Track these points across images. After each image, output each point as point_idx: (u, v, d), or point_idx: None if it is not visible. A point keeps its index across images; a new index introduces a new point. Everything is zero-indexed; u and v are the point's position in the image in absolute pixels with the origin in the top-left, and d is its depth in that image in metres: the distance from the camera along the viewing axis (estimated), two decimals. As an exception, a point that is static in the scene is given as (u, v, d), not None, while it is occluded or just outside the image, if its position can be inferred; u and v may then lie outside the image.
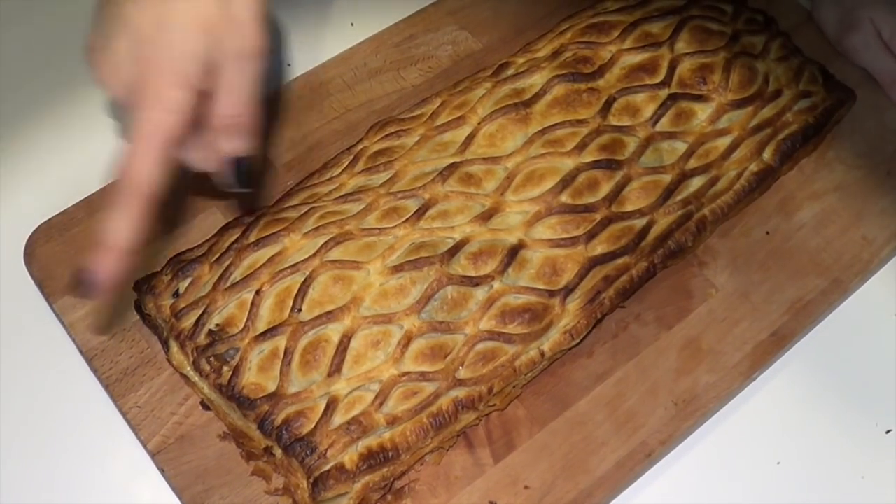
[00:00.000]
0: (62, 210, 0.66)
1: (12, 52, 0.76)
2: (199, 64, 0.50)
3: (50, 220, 0.66)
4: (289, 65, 0.75)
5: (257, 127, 0.54)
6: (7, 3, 0.79)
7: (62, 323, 0.62)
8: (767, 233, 0.67)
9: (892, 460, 0.60)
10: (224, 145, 0.53)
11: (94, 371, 0.60)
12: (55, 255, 0.64)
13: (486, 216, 0.60)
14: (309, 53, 0.75)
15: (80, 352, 0.61)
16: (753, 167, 0.66)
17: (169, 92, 0.49)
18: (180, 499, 0.56)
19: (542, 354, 0.58)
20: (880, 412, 0.62)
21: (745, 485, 0.59)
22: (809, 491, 0.59)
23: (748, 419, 0.61)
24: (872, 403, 0.62)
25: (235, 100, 0.52)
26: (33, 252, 0.64)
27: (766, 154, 0.66)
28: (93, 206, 0.66)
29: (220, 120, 0.52)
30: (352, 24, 0.78)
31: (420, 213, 0.59)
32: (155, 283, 0.59)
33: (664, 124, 0.64)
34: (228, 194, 0.62)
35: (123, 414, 0.58)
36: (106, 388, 0.59)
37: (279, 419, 0.54)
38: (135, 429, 0.58)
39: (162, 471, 0.56)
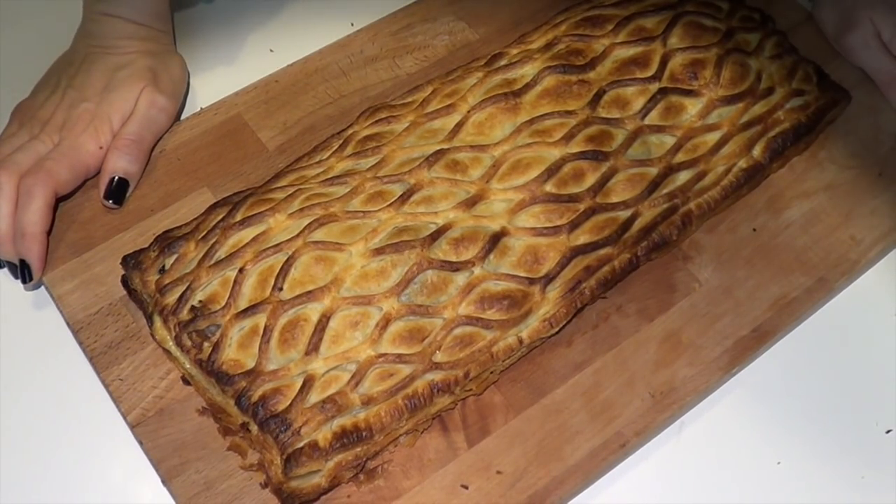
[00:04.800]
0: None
1: (12, 50, 0.78)
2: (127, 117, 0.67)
3: (44, 195, 0.67)
4: (271, 50, 0.77)
5: (144, 160, 0.67)
6: (7, 3, 0.81)
7: (51, 296, 0.63)
8: (754, 230, 0.66)
9: (892, 460, 0.60)
10: (111, 160, 0.65)
11: (80, 343, 0.61)
12: (47, 228, 0.65)
13: (471, 203, 0.60)
14: (304, 42, 0.76)
15: (68, 324, 0.62)
16: (742, 163, 0.66)
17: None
18: (157, 471, 0.56)
19: (521, 341, 0.58)
20: (880, 412, 0.62)
21: (745, 485, 0.59)
22: (809, 491, 0.59)
23: (748, 418, 0.61)
24: (872, 403, 0.62)
25: (135, 129, 0.66)
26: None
27: (756, 151, 0.66)
28: (85, 184, 0.67)
29: (118, 140, 0.65)
30: (352, 24, 0.78)
31: (404, 197, 0.60)
32: (142, 258, 0.60)
33: (653, 118, 0.64)
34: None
35: (106, 386, 0.59)
36: (90, 360, 0.60)
37: (256, 395, 0.55)
38: (116, 401, 0.59)
39: (140, 443, 0.57)
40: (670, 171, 0.63)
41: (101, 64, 0.68)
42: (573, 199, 0.61)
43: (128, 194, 0.66)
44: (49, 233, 0.64)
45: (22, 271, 0.62)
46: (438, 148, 0.62)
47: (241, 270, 0.58)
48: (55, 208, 0.64)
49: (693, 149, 0.64)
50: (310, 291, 0.56)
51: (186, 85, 0.73)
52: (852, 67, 0.74)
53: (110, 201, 0.65)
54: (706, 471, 0.59)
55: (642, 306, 0.63)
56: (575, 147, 0.62)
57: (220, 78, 0.75)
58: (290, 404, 0.54)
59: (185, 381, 0.59)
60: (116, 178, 0.65)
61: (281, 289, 0.57)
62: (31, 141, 0.65)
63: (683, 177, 0.64)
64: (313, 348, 0.55)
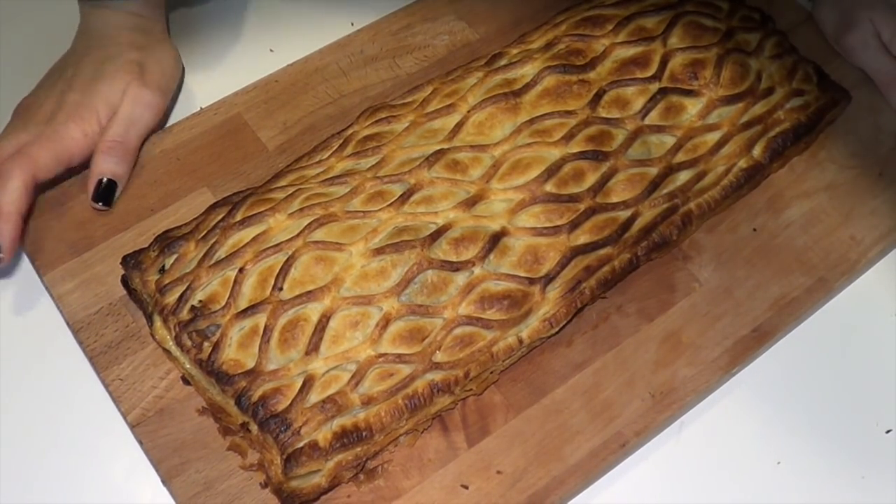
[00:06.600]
0: (56, 186, 0.67)
1: (12, 50, 0.78)
2: (113, 110, 0.67)
3: (44, 194, 0.67)
4: (271, 50, 0.76)
5: (131, 160, 0.67)
6: (8, 3, 0.81)
7: (51, 295, 0.63)
8: (755, 229, 0.66)
9: (892, 460, 0.60)
10: (98, 163, 0.65)
11: (80, 343, 0.61)
12: (48, 228, 0.65)
13: (471, 203, 0.60)
14: (304, 42, 0.76)
15: (68, 324, 0.62)
16: (742, 163, 0.66)
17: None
18: (157, 471, 0.56)
19: (521, 341, 0.58)
20: (880, 412, 0.62)
21: (745, 485, 0.59)
22: (809, 491, 0.59)
23: (748, 418, 0.61)
24: (872, 403, 0.62)
25: (120, 130, 0.66)
26: (26, 225, 0.65)
27: (756, 151, 0.66)
28: (86, 183, 0.67)
29: (104, 143, 0.65)
30: (352, 24, 0.78)
31: (405, 197, 0.60)
32: (142, 258, 0.60)
33: (653, 118, 0.64)
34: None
35: (106, 386, 0.59)
36: (90, 360, 0.60)
37: (256, 395, 0.55)
38: (116, 401, 0.59)
39: (140, 443, 0.57)
40: (670, 171, 0.63)
41: (91, 57, 0.68)
42: (573, 199, 0.61)
43: (116, 195, 0.66)
44: (27, 218, 0.63)
45: None
46: (438, 148, 0.62)
47: (241, 270, 0.58)
48: (36, 194, 0.64)
49: (693, 149, 0.64)
50: (310, 291, 0.56)
51: (179, 79, 0.73)
52: (852, 67, 0.74)
53: (100, 203, 0.65)
54: (706, 471, 0.59)
55: (642, 306, 0.63)
56: (575, 147, 0.62)
57: (220, 78, 0.75)
58: (290, 404, 0.54)
59: (185, 381, 0.59)
60: (105, 179, 0.65)
61: (281, 289, 0.57)
62: (17, 132, 0.65)
63: (683, 177, 0.64)
64: (313, 348, 0.55)
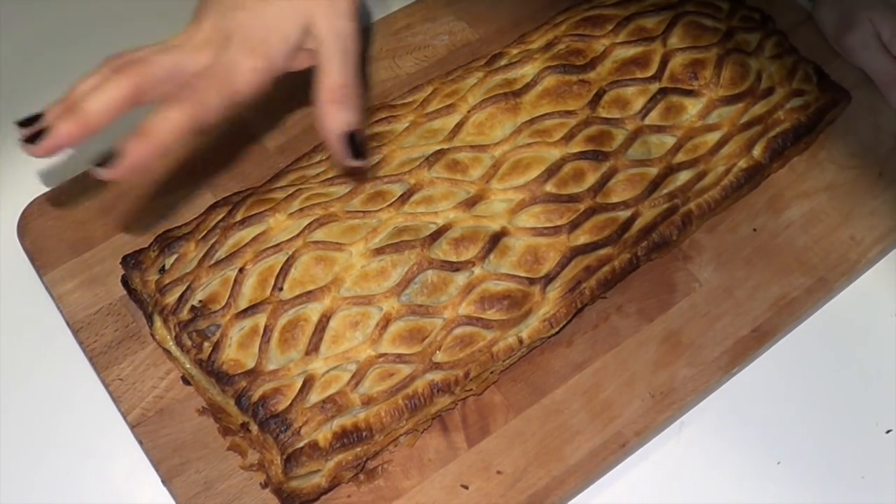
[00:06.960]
0: (56, 186, 0.67)
1: (11, 32, 0.78)
2: (289, 45, 0.55)
3: (44, 194, 0.67)
4: None
5: (361, 99, 0.56)
6: (8, 3, 0.81)
7: (51, 295, 0.63)
8: (755, 230, 0.67)
9: (892, 460, 0.60)
10: (334, 118, 0.55)
11: (80, 343, 0.61)
12: (47, 229, 0.65)
13: (471, 203, 0.60)
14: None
15: (67, 324, 0.62)
16: (742, 164, 0.66)
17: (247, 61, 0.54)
18: (157, 471, 0.56)
19: (521, 341, 0.58)
20: (880, 412, 0.62)
21: (745, 485, 0.59)
22: (809, 491, 0.59)
23: (748, 418, 0.61)
24: (872, 403, 0.62)
25: (340, 73, 0.55)
26: (26, 226, 0.65)
27: (756, 151, 0.66)
28: (86, 183, 0.67)
29: (329, 94, 0.55)
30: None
31: (405, 197, 0.60)
32: (142, 258, 0.60)
33: (653, 118, 0.64)
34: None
35: (106, 386, 0.59)
36: (90, 360, 0.60)
37: (256, 395, 0.55)
38: (116, 401, 0.59)
39: (140, 443, 0.57)
40: (670, 171, 0.63)
41: None
42: (573, 199, 0.61)
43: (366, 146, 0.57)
44: (167, 153, 0.53)
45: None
46: (438, 148, 0.62)
47: (241, 270, 0.58)
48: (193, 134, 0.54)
49: (693, 149, 0.64)
50: (310, 291, 0.56)
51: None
52: (852, 67, 0.75)
53: (357, 159, 0.56)
54: (706, 471, 0.59)
55: (642, 306, 0.63)
56: (575, 147, 0.63)
57: (220, 78, 0.75)
58: (291, 404, 0.54)
59: (185, 381, 0.59)
60: (349, 132, 0.55)
61: (281, 289, 0.57)
62: (181, 51, 0.54)
63: (683, 177, 0.64)
64: (313, 348, 0.55)
